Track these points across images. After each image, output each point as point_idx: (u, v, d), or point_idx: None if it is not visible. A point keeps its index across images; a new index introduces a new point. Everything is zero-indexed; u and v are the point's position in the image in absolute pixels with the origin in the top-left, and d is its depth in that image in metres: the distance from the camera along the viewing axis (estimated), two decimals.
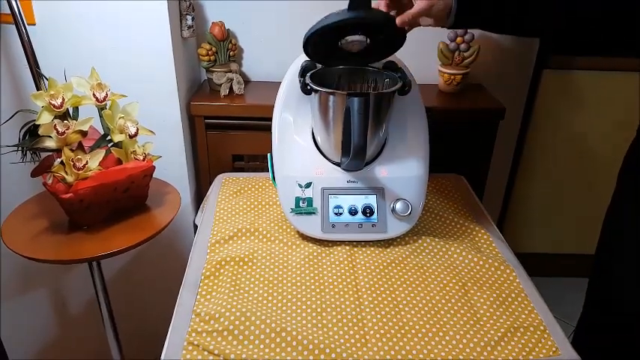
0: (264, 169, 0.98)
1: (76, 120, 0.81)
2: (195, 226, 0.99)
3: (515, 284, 0.76)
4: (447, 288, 0.75)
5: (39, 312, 1.26)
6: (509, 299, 0.73)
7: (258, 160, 1.13)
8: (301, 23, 1.15)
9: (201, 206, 1.03)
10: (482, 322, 0.69)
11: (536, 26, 0.66)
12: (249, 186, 1.00)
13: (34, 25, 0.92)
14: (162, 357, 0.63)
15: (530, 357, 0.63)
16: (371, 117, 0.74)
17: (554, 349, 0.64)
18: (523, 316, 0.70)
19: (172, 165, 1.07)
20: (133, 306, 1.25)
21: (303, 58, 0.86)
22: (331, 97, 0.77)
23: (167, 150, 1.04)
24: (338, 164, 0.84)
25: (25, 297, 1.24)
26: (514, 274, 0.78)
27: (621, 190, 0.73)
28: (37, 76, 0.85)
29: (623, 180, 0.72)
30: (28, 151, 0.82)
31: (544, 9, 0.63)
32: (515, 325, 0.68)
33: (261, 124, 1.06)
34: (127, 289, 1.22)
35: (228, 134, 1.09)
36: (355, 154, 0.75)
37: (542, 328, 0.68)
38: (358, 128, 0.72)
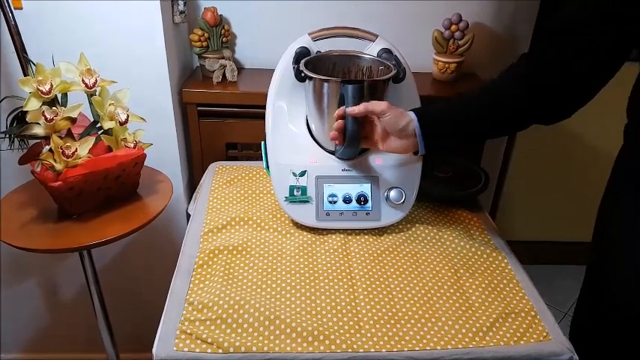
0: (258, 158, 0.97)
1: (65, 107, 0.79)
2: (188, 215, 0.98)
3: (506, 271, 0.77)
4: (440, 275, 0.75)
5: (30, 300, 1.26)
6: (501, 286, 0.74)
7: (252, 149, 1.12)
8: (296, 9, 1.14)
9: (194, 195, 1.02)
10: (474, 309, 0.69)
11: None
12: (243, 174, 1.00)
13: (21, 9, 0.90)
14: (155, 346, 0.63)
15: (522, 342, 0.64)
16: None
17: (544, 334, 0.65)
18: (514, 302, 0.71)
19: (165, 153, 1.06)
20: (125, 294, 1.25)
21: (298, 44, 0.85)
22: (325, 84, 0.76)
23: (159, 138, 1.03)
24: (332, 152, 0.84)
25: (16, 285, 1.22)
26: (506, 261, 0.79)
27: (613, 188, 0.72)
28: (25, 62, 0.83)
29: (615, 181, 0.72)
30: (16, 139, 0.81)
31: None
32: (507, 311, 0.69)
33: (254, 111, 1.04)
34: (119, 276, 1.22)
35: (221, 122, 1.08)
36: (349, 142, 0.74)
37: (533, 313, 0.69)
38: (352, 115, 0.72)
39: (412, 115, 0.71)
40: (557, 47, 0.60)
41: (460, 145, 0.79)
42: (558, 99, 0.64)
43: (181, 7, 1.01)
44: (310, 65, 0.80)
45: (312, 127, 0.84)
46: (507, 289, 0.73)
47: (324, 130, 0.82)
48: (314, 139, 0.85)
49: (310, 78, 0.77)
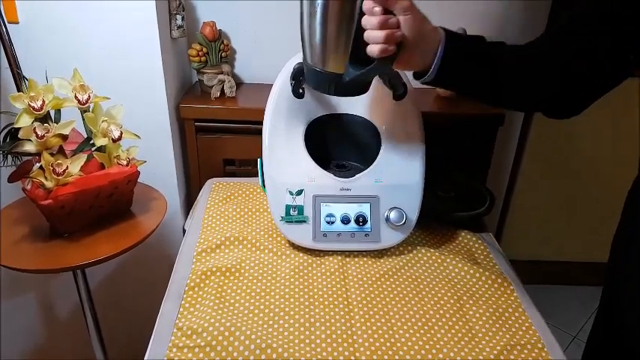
0: (256, 174, 0.95)
1: (58, 123, 0.77)
2: (185, 232, 0.96)
3: (512, 298, 0.73)
4: (442, 302, 0.71)
5: (26, 316, 1.24)
6: (506, 314, 0.70)
7: (250, 165, 1.10)
8: (296, 24, 1.12)
9: (190, 212, 1.00)
10: (477, 339, 0.66)
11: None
12: (240, 192, 0.97)
13: (17, 23, 0.89)
14: None
15: None
16: None
17: None
18: (520, 332, 0.67)
19: (161, 169, 1.04)
20: (120, 311, 1.22)
21: (296, 60, 0.83)
22: None
23: (156, 154, 1.01)
24: (330, 172, 0.81)
25: (11, 301, 1.21)
26: (512, 287, 0.75)
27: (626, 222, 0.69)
28: (18, 77, 0.82)
29: (629, 208, 0.69)
30: (8, 155, 0.79)
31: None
32: (512, 343, 0.65)
33: (253, 127, 1.02)
34: (114, 293, 1.19)
35: (219, 138, 1.06)
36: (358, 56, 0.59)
37: (539, 346, 0.65)
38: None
39: (441, 31, 0.59)
40: (556, 48, 0.58)
41: (465, 89, 0.66)
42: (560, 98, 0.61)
43: (179, 21, 1.00)
44: None
45: (315, 52, 0.65)
46: (513, 318, 0.69)
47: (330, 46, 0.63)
48: (311, 157, 0.82)
49: None
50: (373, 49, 0.56)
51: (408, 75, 0.82)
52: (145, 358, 0.63)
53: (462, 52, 0.60)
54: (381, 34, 0.55)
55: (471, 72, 0.62)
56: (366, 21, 0.56)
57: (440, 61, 0.59)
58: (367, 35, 0.56)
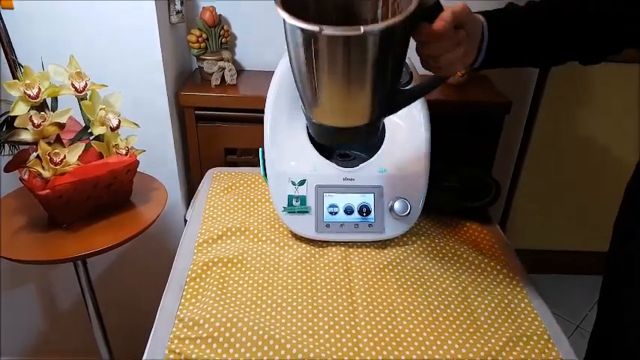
0: (258, 164, 0.93)
1: (55, 111, 0.76)
2: (186, 222, 0.95)
3: (518, 289, 0.72)
4: (447, 292, 0.71)
5: (27, 308, 1.23)
6: (512, 305, 0.69)
7: (251, 154, 1.08)
8: None
9: (191, 202, 0.99)
10: (482, 330, 0.65)
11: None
12: (241, 181, 0.96)
13: (12, 9, 0.87)
14: None
15: None
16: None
17: None
18: (526, 324, 0.66)
19: (161, 159, 1.02)
20: (122, 302, 1.22)
21: None
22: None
23: (155, 143, 1.00)
24: (333, 161, 0.79)
25: (12, 293, 1.20)
26: (517, 278, 0.74)
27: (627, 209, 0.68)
28: (13, 65, 0.80)
29: (630, 197, 0.68)
30: (5, 144, 0.78)
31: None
32: (518, 334, 0.64)
33: (254, 115, 1.01)
34: (115, 284, 1.19)
35: (219, 126, 1.04)
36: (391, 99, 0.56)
37: (545, 337, 0.64)
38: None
39: (482, 18, 0.57)
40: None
41: (508, 64, 0.63)
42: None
43: (178, 6, 0.98)
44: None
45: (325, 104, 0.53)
46: (519, 309, 0.69)
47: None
48: (314, 146, 0.81)
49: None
50: (456, 68, 0.55)
51: (414, 60, 0.80)
52: (146, 349, 0.62)
53: (502, 33, 0.58)
54: (461, 51, 0.53)
55: (513, 47, 0.59)
56: (438, 48, 0.52)
57: (485, 50, 0.57)
58: (446, 59, 0.53)
